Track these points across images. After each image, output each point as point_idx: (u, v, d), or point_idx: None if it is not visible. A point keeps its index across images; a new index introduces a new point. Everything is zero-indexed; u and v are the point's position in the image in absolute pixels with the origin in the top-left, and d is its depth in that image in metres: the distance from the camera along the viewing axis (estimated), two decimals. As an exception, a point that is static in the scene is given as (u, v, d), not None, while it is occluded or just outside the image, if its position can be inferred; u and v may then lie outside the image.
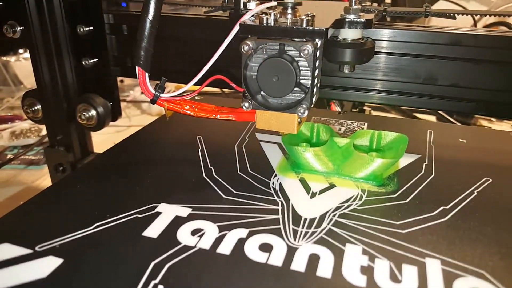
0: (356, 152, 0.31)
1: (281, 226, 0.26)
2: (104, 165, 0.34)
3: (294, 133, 0.30)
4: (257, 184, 0.31)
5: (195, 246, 0.24)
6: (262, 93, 0.29)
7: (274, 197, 0.29)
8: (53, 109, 0.46)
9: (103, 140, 0.62)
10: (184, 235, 0.25)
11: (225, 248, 0.24)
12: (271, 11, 0.29)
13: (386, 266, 0.23)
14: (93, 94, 0.45)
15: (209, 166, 0.33)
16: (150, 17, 0.28)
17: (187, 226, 0.26)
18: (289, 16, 0.28)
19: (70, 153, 0.48)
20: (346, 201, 0.29)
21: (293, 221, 0.26)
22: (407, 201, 0.29)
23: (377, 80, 0.38)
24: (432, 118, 0.78)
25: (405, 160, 0.34)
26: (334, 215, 0.27)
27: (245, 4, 0.31)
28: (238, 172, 0.32)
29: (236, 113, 0.31)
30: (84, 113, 0.45)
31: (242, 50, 0.28)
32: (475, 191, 0.30)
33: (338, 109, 0.58)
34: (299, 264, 0.23)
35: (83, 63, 0.44)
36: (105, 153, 0.37)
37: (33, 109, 0.47)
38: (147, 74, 0.29)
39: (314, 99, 0.30)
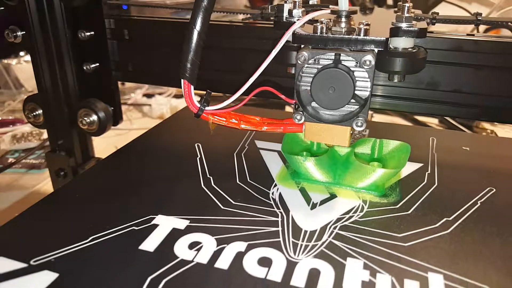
0: (357, 162, 0.31)
1: (280, 239, 0.25)
2: (101, 175, 0.34)
3: (346, 146, 0.29)
4: (256, 195, 0.30)
5: (192, 261, 0.23)
6: (313, 104, 0.28)
7: (273, 208, 0.29)
8: (54, 114, 0.46)
9: (104, 144, 0.61)
10: (181, 248, 0.24)
11: (223, 262, 0.23)
12: (322, 19, 0.28)
13: (387, 281, 0.22)
14: (94, 99, 0.45)
15: (208, 176, 0.33)
16: (198, 28, 0.26)
17: (185, 239, 0.25)
18: (343, 25, 0.27)
19: (71, 158, 0.48)
20: (347, 213, 0.28)
21: (293, 234, 0.26)
22: (409, 212, 0.28)
23: (379, 85, 0.37)
24: (435, 121, 0.77)
25: (407, 169, 0.34)
26: (335, 227, 0.27)
27: (290, 12, 0.30)
28: (237, 181, 0.32)
29: (284, 125, 0.31)
30: (85, 118, 0.45)
31: (299, 61, 0.27)
32: (479, 202, 0.30)
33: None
34: (299, 279, 0.22)
35: (84, 68, 0.44)
36: (104, 160, 0.36)
37: (34, 114, 0.47)
38: (192, 87, 0.28)
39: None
